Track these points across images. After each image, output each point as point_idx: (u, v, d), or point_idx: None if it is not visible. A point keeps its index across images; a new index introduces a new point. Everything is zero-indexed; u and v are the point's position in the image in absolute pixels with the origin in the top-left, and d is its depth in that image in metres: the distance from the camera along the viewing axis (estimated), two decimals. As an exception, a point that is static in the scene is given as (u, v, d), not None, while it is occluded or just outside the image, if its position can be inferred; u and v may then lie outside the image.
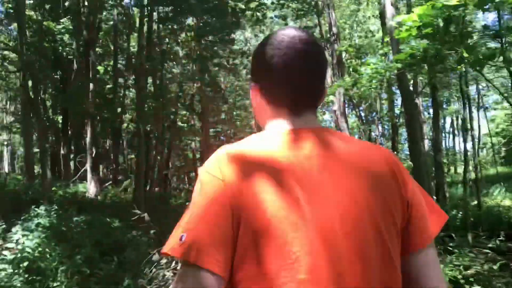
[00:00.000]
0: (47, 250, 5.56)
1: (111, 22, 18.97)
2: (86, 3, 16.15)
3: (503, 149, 30.96)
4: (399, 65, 6.16)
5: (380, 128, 24.67)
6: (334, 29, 12.84)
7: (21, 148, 30.66)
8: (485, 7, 5.43)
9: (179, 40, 17.38)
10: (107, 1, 16.19)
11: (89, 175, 14.78)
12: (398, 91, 18.93)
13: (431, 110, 27.78)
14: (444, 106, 30.51)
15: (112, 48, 18.98)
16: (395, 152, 15.35)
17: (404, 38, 5.83)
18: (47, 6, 17.20)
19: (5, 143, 32.37)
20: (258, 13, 14.95)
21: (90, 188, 14.59)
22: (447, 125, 38.44)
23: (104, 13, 18.26)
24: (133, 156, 21.53)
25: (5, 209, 8.38)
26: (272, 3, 14.60)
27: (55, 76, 19.75)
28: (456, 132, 39.33)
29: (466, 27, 6.75)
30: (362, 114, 24.65)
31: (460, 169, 34.03)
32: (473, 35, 6.40)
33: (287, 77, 1.01)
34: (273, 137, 0.98)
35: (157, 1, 13.45)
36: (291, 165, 0.91)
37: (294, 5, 14.68)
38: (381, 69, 7.03)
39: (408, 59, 5.87)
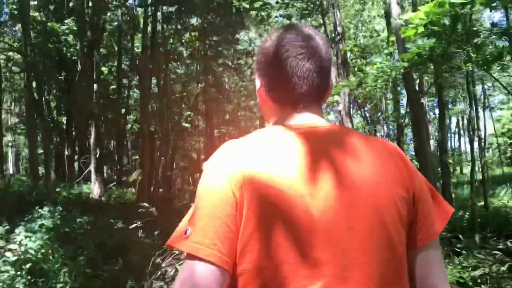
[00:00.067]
0: (50, 251, 5.51)
1: (115, 23, 18.97)
2: (90, 4, 16.14)
3: (509, 149, 30.78)
4: (406, 64, 6.08)
5: (385, 128, 24.56)
6: (339, 29, 12.77)
7: (25, 149, 30.76)
8: (492, 4, 5.37)
9: (183, 40, 17.35)
10: (111, 2, 16.17)
11: (93, 176, 14.76)
12: (403, 91, 18.85)
13: (436, 110, 27.72)
14: (450, 106, 30.35)
15: (116, 48, 18.97)
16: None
17: (410, 36, 5.75)
18: (51, 7, 17.23)
19: (10, 144, 32.49)
20: (262, 13, 14.91)
21: (94, 189, 14.58)
22: (453, 125, 38.27)
23: (108, 14, 18.27)
24: (137, 157, 21.49)
25: (9, 210, 8.35)
26: (277, 2, 14.55)
27: (59, 77, 19.79)
28: (461, 132, 39.18)
29: (473, 25, 6.67)
30: (367, 115, 24.54)
31: (466, 170, 33.90)
32: (480, 33, 6.29)
33: (290, 73, 1.00)
34: (276, 131, 0.98)
35: (161, 1, 13.42)
36: (295, 158, 0.91)
37: (299, 5, 14.62)
38: (387, 68, 6.96)
39: (415, 58, 5.78)
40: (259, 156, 0.91)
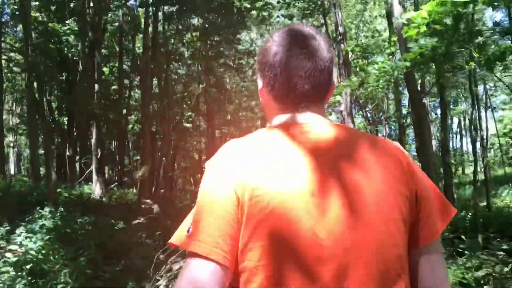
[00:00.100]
0: (50, 252, 5.49)
1: (117, 23, 18.97)
2: (91, 4, 16.13)
3: (511, 149, 30.70)
4: (408, 64, 6.03)
5: (387, 128, 24.53)
6: (341, 29, 12.72)
7: (27, 150, 30.77)
8: (495, 4, 5.33)
9: (184, 41, 17.34)
10: (113, 2, 16.16)
11: (94, 177, 14.74)
12: (405, 91, 18.82)
13: (438, 111, 27.69)
14: (451, 106, 30.30)
15: (118, 49, 18.97)
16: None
17: (412, 36, 5.72)
18: (52, 8, 17.22)
19: (11, 144, 32.50)
20: (264, 13, 14.88)
21: (95, 189, 14.55)
22: (454, 126, 38.21)
23: (110, 14, 18.26)
24: (138, 157, 21.50)
25: (10, 211, 8.34)
26: (278, 2, 14.51)
27: (61, 78, 19.78)
28: (463, 132, 39.12)
29: (475, 25, 6.63)
30: (369, 115, 24.51)
31: (468, 170, 33.83)
32: (483, 33, 6.25)
33: (292, 73, 1.01)
34: (278, 130, 0.99)
35: (162, 1, 13.40)
36: (296, 156, 0.92)
37: (300, 4, 14.58)
38: (389, 68, 6.91)
39: (418, 57, 5.75)
40: (259, 156, 0.92)
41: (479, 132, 9.64)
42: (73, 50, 17.51)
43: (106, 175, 19.45)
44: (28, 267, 4.92)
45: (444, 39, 5.98)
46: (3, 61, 17.90)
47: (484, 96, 26.27)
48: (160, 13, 15.10)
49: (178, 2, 13.51)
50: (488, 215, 10.14)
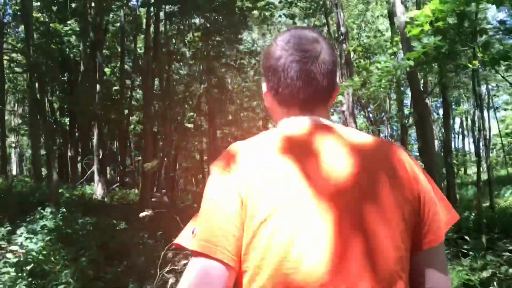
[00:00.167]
0: (51, 252, 5.45)
1: (118, 24, 18.96)
2: (93, 5, 16.12)
3: (514, 150, 30.61)
4: (412, 63, 5.98)
5: (388, 128, 24.48)
6: (343, 29, 12.67)
7: (29, 150, 30.78)
8: (500, 1, 5.28)
9: (186, 41, 17.31)
10: (114, 3, 16.14)
11: (96, 177, 14.73)
12: (407, 91, 18.77)
13: (440, 111, 27.63)
14: (453, 106, 30.23)
15: (119, 49, 18.96)
16: (405, 153, 15.14)
17: (415, 35, 5.68)
18: (54, 8, 17.22)
19: (13, 145, 32.54)
20: (266, 13, 14.84)
21: (97, 190, 14.55)
22: (456, 126, 38.14)
23: (111, 15, 18.25)
24: (140, 158, 21.48)
25: (11, 211, 8.32)
26: (280, 2, 14.48)
27: (62, 78, 19.78)
28: (465, 132, 39.04)
29: (479, 23, 6.58)
30: (371, 115, 24.46)
31: (470, 171, 33.76)
32: (488, 31, 6.20)
33: (295, 77, 1.02)
34: (282, 133, 1.00)
35: (164, 0, 13.36)
36: (300, 159, 0.93)
37: (302, 4, 14.55)
38: (392, 68, 6.87)
39: (421, 57, 5.70)
40: (262, 158, 0.93)
41: (482, 132, 9.57)
42: (74, 50, 17.52)
43: (108, 176, 19.44)
44: (28, 268, 4.89)
45: (447, 38, 5.93)
46: (5, 62, 17.91)
47: (486, 96, 26.20)
48: (161, 13, 15.06)
49: (180, 1, 13.47)
50: (491, 215, 10.09)
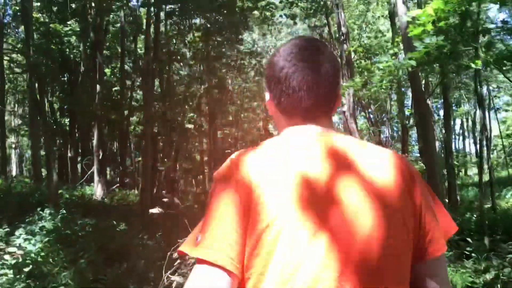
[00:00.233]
0: (50, 254, 5.40)
1: (118, 24, 18.92)
2: (93, 5, 16.08)
3: (515, 151, 30.57)
4: (414, 63, 5.94)
5: (389, 129, 24.44)
6: (343, 29, 12.62)
7: (29, 151, 30.74)
8: (503, 1, 5.24)
9: (186, 41, 17.27)
10: (114, 3, 16.10)
11: (96, 178, 14.69)
12: (408, 92, 18.73)
13: (440, 112, 27.60)
14: (454, 107, 30.18)
15: (119, 50, 18.92)
16: (405, 154, 15.13)
17: (417, 34, 5.64)
18: (54, 8, 17.19)
19: (13, 145, 32.50)
20: (266, 13, 14.79)
21: (96, 190, 14.50)
22: (457, 127, 38.09)
23: (111, 15, 18.21)
24: (140, 158, 21.43)
25: (10, 212, 8.27)
26: (281, 1, 14.43)
27: (62, 79, 19.74)
28: (466, 133, 38.99)
29: (482, 23, 6.53)
30: (371, 116, 24.42)
31: (470, 172, 33.72)
32: (491, 31, 6.16)
33: (298, 87, 1.03)
34: (284, 142, 1.01)
35: (164, 0, 13.32)
36: (301, 167, 0.93)
37: (303, 4, 14.51)
38: (394, 68, 6.82)
39: (424, 57, 5.66)
40: (265, 166, 0.94)
41: (484, 133, 9.51)
42: (74, 51, 17.48)
43: (108, 176, 19.40)
44: (27, 269, 4.83)
45: (449, 38, 5.89)
46: (5, 62, 17.87)
47: (487, 97, 26.16)
48: (162, 14, 15.02)
49: (180, 0, 13.43)
50: (493, 217, 10.04)
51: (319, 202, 0.90)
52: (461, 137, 40.85)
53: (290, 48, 1.07)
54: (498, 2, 4.98)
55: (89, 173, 16.44)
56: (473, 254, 6.45)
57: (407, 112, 17.39)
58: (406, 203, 0.95)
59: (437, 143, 20.77)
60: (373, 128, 22.20)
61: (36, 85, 13.29)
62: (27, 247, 5.15)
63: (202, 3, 12.62)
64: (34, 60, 12.80)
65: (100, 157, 15.06)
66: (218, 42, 16.01)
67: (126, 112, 18.50)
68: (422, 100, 9.42)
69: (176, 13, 14.65)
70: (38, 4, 16.88)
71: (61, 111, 21.16)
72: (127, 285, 5.30)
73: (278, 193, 0.90)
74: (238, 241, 0.89)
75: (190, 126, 18.69)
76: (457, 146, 37.73)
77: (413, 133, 19.97)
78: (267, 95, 1.12)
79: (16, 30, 19.78)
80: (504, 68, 5.84)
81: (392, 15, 15.38)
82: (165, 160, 19.06)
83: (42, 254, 5.20)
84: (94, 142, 15.49)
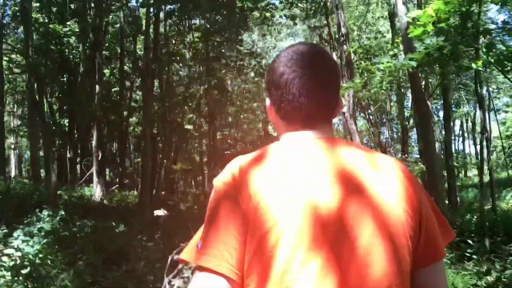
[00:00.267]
0: (48, 256, 5.36)
1: (118, 25, 18.89)
2: (92, 6, 16.04)
3: (514, 152, 30.56)
4: (414, 63, 5.91)
5: (389, 130, 24.43)
6: (343, 30, 12.60)
7: (28, 152, 30.70)
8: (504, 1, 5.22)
9: (186, 42, 17.24)
10: (114, 4, 16.07)
11: (95, 179, 14.65)
12: (407, 93, 18.71)
13: (440, 113, 27.61)
14: (453, 109, 30.19)
15: (119, 50, 18.89)
16: (405, 155, 15.12)
17: (418, 35, 5.61)
18: (53, 9, 17.16)
19: (12, 146, 32.46)
20: (266, 13, 14.77)
21: (96, 191, 14.46)
22: (456, 128, 38.10)
23: (111, 16, 18.18)
24: (139, 159, 21.39)
25: (9, 213, 8.23)
26: (281, 2, 14.42)
27: (62, 79, 19.70)
28: (465, 135, 38.99)
29: (482, 24, 6.52)
30: (371, 117, 24.41)
31: (470, 173, 33.72)
32: (492, 32, 6.14)
33: (298, 93, 1.03)
34: (284, 148, 1.01)
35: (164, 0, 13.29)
36: (300, 173, 0.93)
37: (303, 5, 14.51)
38: (394, 68, 6.79)
39: (424, 58, 5.63)
40: (264, 172, 0.94)
41: (484, 134, 9.48)
42: (74, 51, 17.44)
43: (107, 177, 19.35)
44: (24, 271, 4.80)
45: (450, 38, 5.87)
46: (4, 63, 17.84)
47: (487, 98, 26.17)
48: (161, 14, 15.00)
49: (180, 1, 13.40)
50: (493, 218, 10.01)
51: (317, 209, 0.89)
52: (460, 138, 40.89)
53: (291, 54, 1.07)
54: (500, 2, 4.97)
55: (88, 174, 16.40)
56: (474, 256, 6.43)
57: (407, 114, 17.40)
58: (408, 211, 0.95)
59: (437, 144, 20.77)
60: (373, 129, 22.18)
61: (35, 85, 13.27)
62: (25, 249, 5.11)
63: (202, 4, 12.58)
64: (34, 60, 12.79)
65: (100, 158, 15.02)
66: (217, 42, 15.99)
67: (125, 113, 18.47)
68: (423, 99, 9.41)
69: (176, 13, 14.62)
70: (38, 4, 16.85)
71: (60, 112, 21.11)
72: (126, 287, 5.26)
73: (277, 201, 0.90)
74: (238, 248, 0.89)
75: (190, 127, 18.66)
76: (456, 147, 37.74)
77: (413, 134, 19.98)
78: (267, 101, 1.12)
79: (16, 30, 19.75)
80: (505, 69, 5.83)
81: (392, 16, 15.38)
82: (165, 161, 19.03)
83: (40, 255, 5.16)
84: (94, 142, 15.44)
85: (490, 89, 26.26)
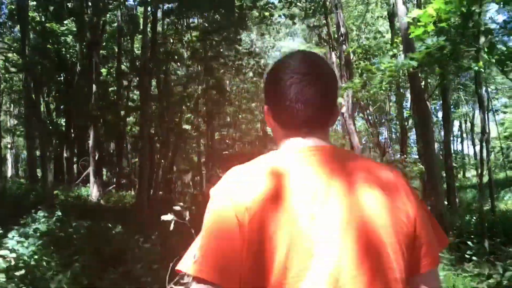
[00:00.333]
0: (43, 257, 5.28)
1: (115, 24, 18.81)
2: (89, 4, 15.96)
3: (512, 153, 30.61)
4: (415, 63, 5.86)
5: (388, 130, 24.42)
6: (343, 30, 12.56)
7: (25, 152, 30.58)
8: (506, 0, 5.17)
9: (184, 41, 17.16)
10: (111, 3, 15.99)
11: (92, 179, 14.57)
12: (406, 94, 18.69)
13: (439, 114, 27.60)
14: (452, 109, 30.23)
15: (116, 49, 18.81)
16: (404, 155, 15.08)
17: (418, 35, 5.57)
18: (50, 8, 17.07)
19: (9, 146, 32.35)
20: (265, 12, 14.71)
21: (92, 191, 14.39)
22: (455, 129, 38.15)
23: (108, 15, 18.10)
24: (137, 159, 21.30)
25: (4, 214, 8.14)
26: (280, 1, 14.37)
27: (58, 78, 19.62)
28: (464, 135, 39.03)
29: (483, 24, 6.47)
30: (370, 117, 24.38)
31: (469, 173, 33.76)
32: (493, 31, 6.09)
33: (295, 100, 1.03)
34: (281, 156, 1.01)
35: (162, -1, 13.22)
36: (299, 184, 0.94)
37: (302, 4, 14.47)
38: (394, 68, 6.74)
39: (425, 57, 5.59)
40: (261, 182, 0.94)
41: (484, 134, 9.44)
42: (71, 50, 17.38)
43: (104, 177, 19.25)
44: (19, 273, 4.72)
45: (450, 38, 5.82)
46: (0, 62, 17.76)
47: (486, 99, 26.21)
48: (159, 13, 14.93)
49: (178, -1, 13.33)
50: (492, 219, 9.97)
51: (314, 217, 0.90)
52: (459, 139, 40.94)
53: (288, 61, 1.08)
54: (502, 2, 4.93)
55: (85, 174, 16.33)
56: (473, 258, 6.38)
57: (406, 114, 17.37)
58: (403, 218, 0.96)
59: (436, 145, 20.76)
60: (372, 130, 22.15)
61: (32, 85, 13.20)
62: (19, 250, 5.04)
63: (200, 2, 12.51)
64: (30, 59, 12.73)
65: (96, 157, 14.95)
66: (216, 42, 15.93)
67: (122, 113, 18.40)
68: (422, 99, 9.36)
69: (174, 12, 14.54)
70: (34, 3, 16.77)
71: (57, 111, 21.03)
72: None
73: (275, 210, 0.90)
74: (235, 258, 0.89)
75: (188, 126, 18.61)
76: (455, 148, 37.78)
77: (412, 135, 19.95)
78: (265, 107, 1.13)
79: (12, 29, 19.64)
80: (506, 69, 5.79)
81: (391, 16, 15.34)
82: (162, 161, 18.96)
83: (36, 257, 5.08)
84: (90, 142, 15.36)
85: (489, 89, 26.29)
